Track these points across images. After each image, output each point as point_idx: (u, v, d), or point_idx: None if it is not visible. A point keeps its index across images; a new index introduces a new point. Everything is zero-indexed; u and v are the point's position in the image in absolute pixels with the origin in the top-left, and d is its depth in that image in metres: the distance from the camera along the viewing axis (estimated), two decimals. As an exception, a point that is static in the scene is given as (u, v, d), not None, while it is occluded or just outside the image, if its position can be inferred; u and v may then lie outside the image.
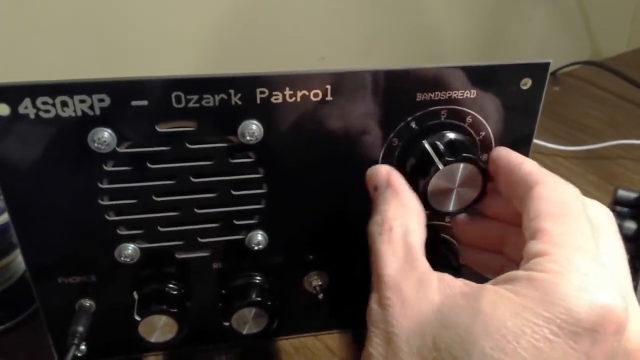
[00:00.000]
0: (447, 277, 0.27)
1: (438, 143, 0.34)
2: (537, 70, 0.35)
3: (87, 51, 0.57)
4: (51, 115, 0.30)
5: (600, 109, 0.75)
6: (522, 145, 0.37)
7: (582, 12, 0.92)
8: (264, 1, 0.64)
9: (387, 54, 0.77)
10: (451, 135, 0.34)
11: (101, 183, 0.32)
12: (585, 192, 0.57)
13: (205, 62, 0.63)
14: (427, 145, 0.34)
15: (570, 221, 0.27)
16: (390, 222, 0.30)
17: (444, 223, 0.39)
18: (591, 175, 0.61)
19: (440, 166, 0.33)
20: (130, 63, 0.60)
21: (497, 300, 0.25)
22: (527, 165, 0.31)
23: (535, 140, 0.38)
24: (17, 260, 0.42)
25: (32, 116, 0.30)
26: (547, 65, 0.35)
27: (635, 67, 0.81)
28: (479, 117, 0.35)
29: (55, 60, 0.56)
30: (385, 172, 0.33)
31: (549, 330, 0.23)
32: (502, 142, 0.36)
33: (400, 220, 0.30)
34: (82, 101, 0.30)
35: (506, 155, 0.33)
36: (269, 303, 0.36)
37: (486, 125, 0.35)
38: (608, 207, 0.44)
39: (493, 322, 0.24)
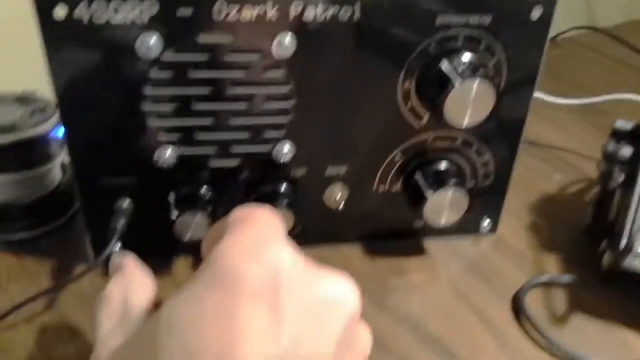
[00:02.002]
0: None
1: (455, 62, 0.37)
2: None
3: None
4: (102, 21, 0.33)
5: (598, 70, 0.78)
6: (527, 84, 0.40)
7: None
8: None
9: None
10: (468, 55, 0.37)
11: (144, 89, 0.35)
12: (582, 141, 0.61)
13: None
14: (445, 64, 0.37)
15: None
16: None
17: (452, 145, 0.42)
18: (587, 124, 0.64)
19: (457, 83, 0.36)
20: None
21: None
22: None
23: (534, 94, 0.41)
24: (54, 170, 0.44)
25: (85, 22, 0.33)
26: (556, -6, 0.38)
27: (632, 35, 0.84)
28: (492, 42, 0.38)
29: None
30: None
31: None
32: (512, 73, 0.39)
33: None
34: (132, 8, 0.32)
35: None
36: (296, 208, 0.39)
37: (499, 51, 0.38)
38: (604, 144, 0.47)
39: None
